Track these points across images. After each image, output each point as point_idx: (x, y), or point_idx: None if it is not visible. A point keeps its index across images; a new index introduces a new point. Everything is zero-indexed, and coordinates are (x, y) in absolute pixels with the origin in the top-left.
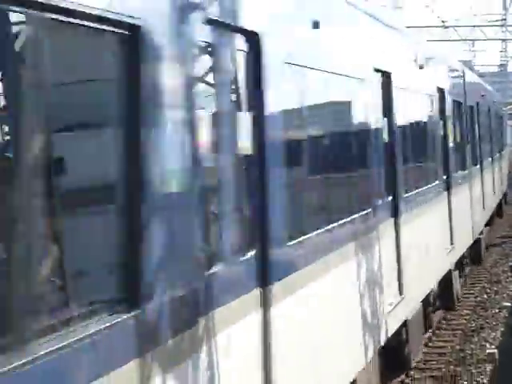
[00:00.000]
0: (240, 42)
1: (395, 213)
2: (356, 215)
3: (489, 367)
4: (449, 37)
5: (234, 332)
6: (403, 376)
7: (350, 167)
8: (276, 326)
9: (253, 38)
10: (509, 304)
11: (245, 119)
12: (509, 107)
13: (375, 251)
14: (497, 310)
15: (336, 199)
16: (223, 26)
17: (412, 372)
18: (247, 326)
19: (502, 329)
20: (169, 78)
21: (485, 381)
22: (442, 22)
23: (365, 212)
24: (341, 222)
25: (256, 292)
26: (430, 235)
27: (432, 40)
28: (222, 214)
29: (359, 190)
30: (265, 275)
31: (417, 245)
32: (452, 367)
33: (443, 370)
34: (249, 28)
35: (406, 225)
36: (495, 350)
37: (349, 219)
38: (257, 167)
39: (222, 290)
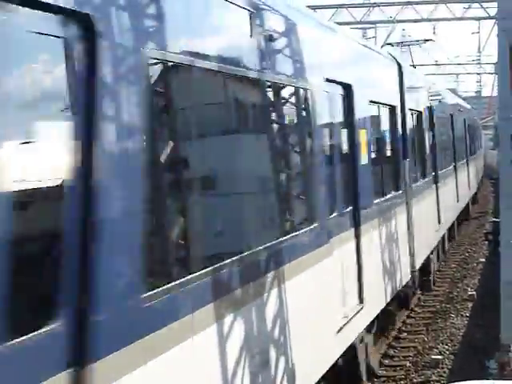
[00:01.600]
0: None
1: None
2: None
3: (470, 304)
4: (441, 71)
5: None
6: (408, 312)
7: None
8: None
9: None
10: (483, 259)
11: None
12: (482, 121)
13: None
14: (475, 264)
15: None
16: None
17: (416, 308)
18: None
19: (479, 277)
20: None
21: (467, 314)
22: (436, 61)
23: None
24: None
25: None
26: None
27: (428, 74)
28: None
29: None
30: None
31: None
32: (444, 304)
33: (437, 306)
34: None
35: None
36: (474, 292)
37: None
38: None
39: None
